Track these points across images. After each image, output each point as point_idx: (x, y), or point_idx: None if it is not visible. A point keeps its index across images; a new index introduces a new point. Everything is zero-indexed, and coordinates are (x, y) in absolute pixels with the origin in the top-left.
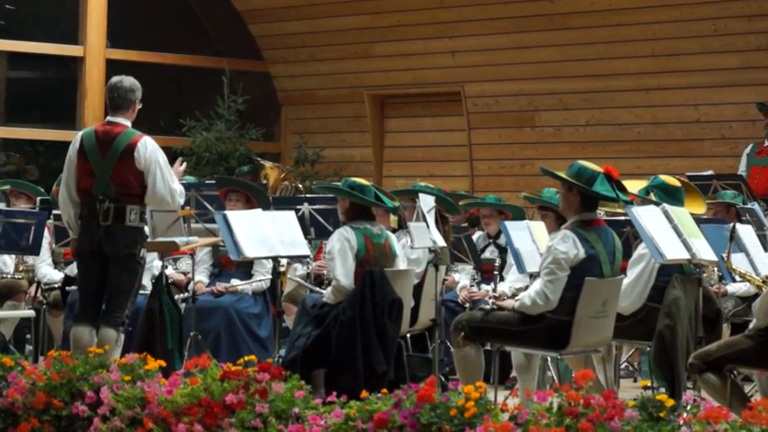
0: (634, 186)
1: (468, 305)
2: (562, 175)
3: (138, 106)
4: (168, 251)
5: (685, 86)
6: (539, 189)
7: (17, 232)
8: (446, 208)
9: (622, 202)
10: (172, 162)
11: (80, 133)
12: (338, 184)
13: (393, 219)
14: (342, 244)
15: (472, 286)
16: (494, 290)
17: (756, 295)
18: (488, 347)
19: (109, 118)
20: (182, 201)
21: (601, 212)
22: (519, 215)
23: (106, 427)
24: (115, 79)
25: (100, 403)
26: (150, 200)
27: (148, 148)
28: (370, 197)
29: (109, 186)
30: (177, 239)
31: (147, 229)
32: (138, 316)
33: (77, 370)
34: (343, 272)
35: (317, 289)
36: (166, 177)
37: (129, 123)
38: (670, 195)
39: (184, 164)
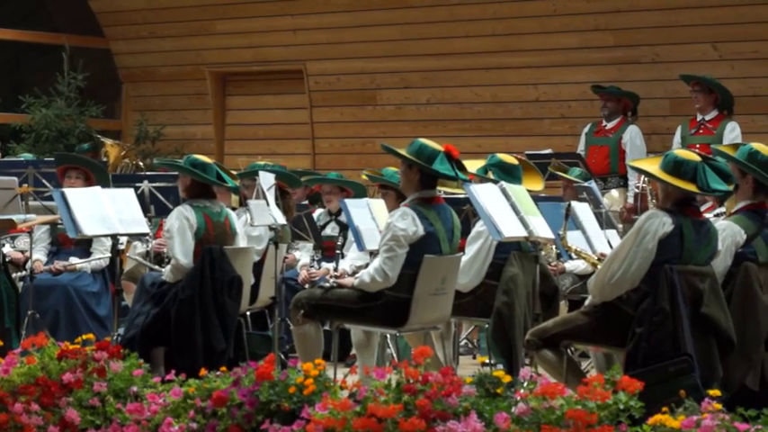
0: (473, 166)
1: (307, 285)
2: (402, 152)
3: None
4: (5, 229)
5: (525, 66)
6: (380, 167)
7: None
8: (287, 182)
9: (461, 181)
10: (4, 150)
11: None
12: (180, 161)
13: (234, 198)
14: (181, 222)
15: (312, 266)
16: (335, 269)
17: (593, 273)
18: (328, 327)
19: None
20: None
21: (440, 192)
22: (360, 192)
23: None
24: None
25: None
26: None
27: None
28: (212, 175)
29: None
30: (14, 217)
31: None
32: None
33: None
34: (181, 250)
35: (157, 267)
36: None
37: None
38: (508, 173)
39: None
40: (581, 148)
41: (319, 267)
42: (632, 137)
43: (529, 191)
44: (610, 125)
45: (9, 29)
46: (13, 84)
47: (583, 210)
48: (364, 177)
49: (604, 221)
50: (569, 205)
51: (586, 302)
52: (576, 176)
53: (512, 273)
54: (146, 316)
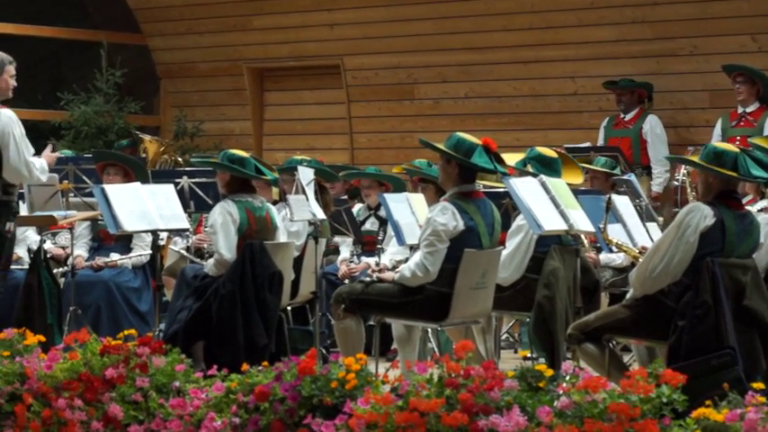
0: (512, 159)
1: (347, 280)
2: (440, 146)
3: (9, 78)
4: (46, 225)
5: (563, 59)
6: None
7: None
8: (324, 177)
9: (500, 174)
10: (42, 148)
11: None
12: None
13: (275, 191)
14: (224, 217)
15: (351, 261)
16: (377, 263)
17: (633, 265)
18: (371, 322)
19: None
20: (44, 177)
21: (479, 185)
22: (399, 187)
23: None
24: None
25: None
26: (6, 173)
27: (2, 120)
28: (250, 169)
29: None
30: (55, 213)
31: (22, 203)
32: (17, 291)
33: None
34: (225, 245)
35: (198, 261)
36: (21, 150)
37: None
38: (547, 166)
39: (51, 147)
40: (600, 142)
41: (359, 262)
42: (652, 126)
43: (569, 184)
44: (628, 117)
45: (47, 26)
46: (52, 81)
47: (623, 203)
48: (396, 171)
49: (644, 214)
50: (610, 198)
51: (628, 296)
52: (600, 166)
53: (552, 266)
54: (188, 311)
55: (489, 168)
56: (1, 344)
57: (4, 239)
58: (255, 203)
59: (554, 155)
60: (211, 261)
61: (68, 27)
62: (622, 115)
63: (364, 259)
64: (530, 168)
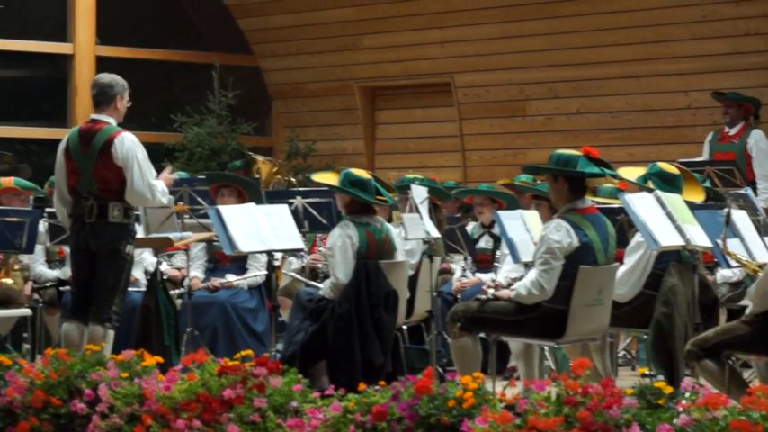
0: (632, 174)
1: (459, 296)
2: (545, 166)
3: (126, 102)
4: (162, 247)
5: (676, 73)
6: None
7: (11, 231)
8: (437, 196)
9: (609, 176)
10: (159, 168)
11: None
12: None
13: (395, 214)
14: (343, 240)
15: (464, 276)
16: (493, 280)
17: (750, 278)
18: (484, 336)
19: (92, 116)
20: (165, 200)
21: (592, 202)
22: (512, 204)
23: (105, 424)
24: (96, 76)
25: (98, 400)
26: (129, 196)
27: (126, 144)
28: (370, 191)
29: (91, 183)
30: (171, 235)
31: (138, 225)
32: (135, 312)
33: (75, 368)
34: (343, 269)
35: (313, 283)
36: (145, 173)
37: (112, 120)
38: (668, 183)
39: (170, 169)
40: (705, 157)
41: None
42: (757, 141)
43: (688, 202)
44: (733, 131)
45: (160, 49)
46: (166, 103)
47: (740, 217)
48: (501, 182)
49: (762, 228)
50: (729, 212)
51: (747, 311)
52: None
53: (671, 283)
54: (304, 333)
55: (598, 173)
56: (120, 365)
57: (124, 262)
58: (376, 226)
59: (676, 171)
60: (327, 283)
61: (181, 50)
62: (727, 129)
63: (478, 275)
64: (651, 185)
